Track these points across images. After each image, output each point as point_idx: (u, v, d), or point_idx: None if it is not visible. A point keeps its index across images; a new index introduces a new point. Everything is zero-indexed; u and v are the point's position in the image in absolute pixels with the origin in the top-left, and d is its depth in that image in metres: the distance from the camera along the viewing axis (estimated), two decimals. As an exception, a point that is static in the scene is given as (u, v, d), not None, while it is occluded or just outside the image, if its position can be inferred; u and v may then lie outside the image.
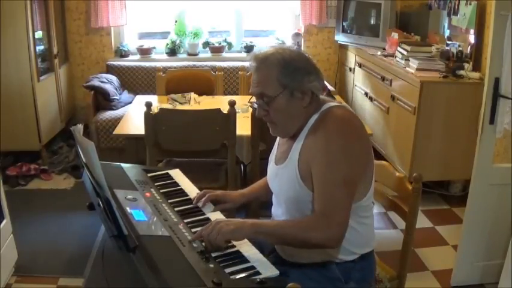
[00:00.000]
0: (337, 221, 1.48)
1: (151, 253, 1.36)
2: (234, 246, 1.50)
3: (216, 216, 1.70)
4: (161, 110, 2.79)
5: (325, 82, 2.66)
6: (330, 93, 3.30)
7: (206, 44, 4.89)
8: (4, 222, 2.59)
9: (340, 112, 1.59)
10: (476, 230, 2.58)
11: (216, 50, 4.89)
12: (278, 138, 1.80)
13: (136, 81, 4.68)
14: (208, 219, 1.66)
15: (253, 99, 1.64)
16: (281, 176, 1.65)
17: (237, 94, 4.10)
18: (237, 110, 2.76)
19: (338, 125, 1.55)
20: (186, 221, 1.61)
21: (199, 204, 1.78)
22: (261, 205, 2.89)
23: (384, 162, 2.05)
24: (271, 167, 1.76)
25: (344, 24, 4.70)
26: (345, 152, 1.51)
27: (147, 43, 4.90)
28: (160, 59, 4.77)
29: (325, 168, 1.50)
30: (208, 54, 4.92)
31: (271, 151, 1.83)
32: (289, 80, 1.56)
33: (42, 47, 4.13)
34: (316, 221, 1.49)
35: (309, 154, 1.55)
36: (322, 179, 1.51)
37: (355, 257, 1.66)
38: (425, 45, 3.73)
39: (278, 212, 1.72)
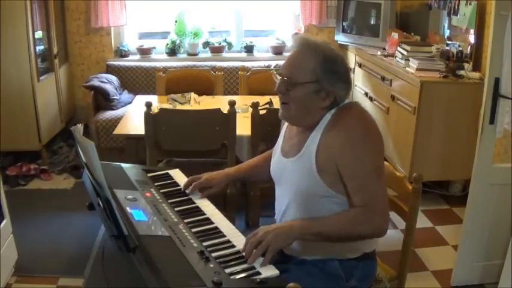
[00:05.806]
0: (380, 210, 1.50)
1: (151, 253, 1.36)
2: (234, 246, 1.50)
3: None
4: (161, 110, 2.79)
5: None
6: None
7: (206, 44, 4.89)
8: (4, 222, 2.59)
9: (358, 108, 1.62)
10: (476, 230, 2.58)
11: (216, 50, 4.89)
12: (284, 131, 1.78)
13: (137, 81, 4.68)
14: (208, 219, 1.66)
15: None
16: (292, 168, 1.63)
17: (237, 94, 4.10)
18: (237, 110, 2.77)
19: (358, 119, 1.56)
20: (186, 221, 1.61)
21: (187, 191, 1.83)
22: (262, 206, 2.91)
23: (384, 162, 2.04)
24: (277, 159, 1.74)
25: (344, 24, 4.70)
26: (369, 143, 1.53)
27: (147, 43, 4.89)
28: (160, 59, 4.77)
29: (354, 162, 1.51)
30: (208, 54, 4.92)
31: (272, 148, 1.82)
32: (323, 77, 1.55)
33: (42, 47, 4.13)
34: (359, 214, 1.50)
35: (332, 150, 1.53)
36: (354, 174, 1.52)
37: (359, 254, 1.66)
38: (425, 45, 3.73)
39: (282, 206, 1.70)
